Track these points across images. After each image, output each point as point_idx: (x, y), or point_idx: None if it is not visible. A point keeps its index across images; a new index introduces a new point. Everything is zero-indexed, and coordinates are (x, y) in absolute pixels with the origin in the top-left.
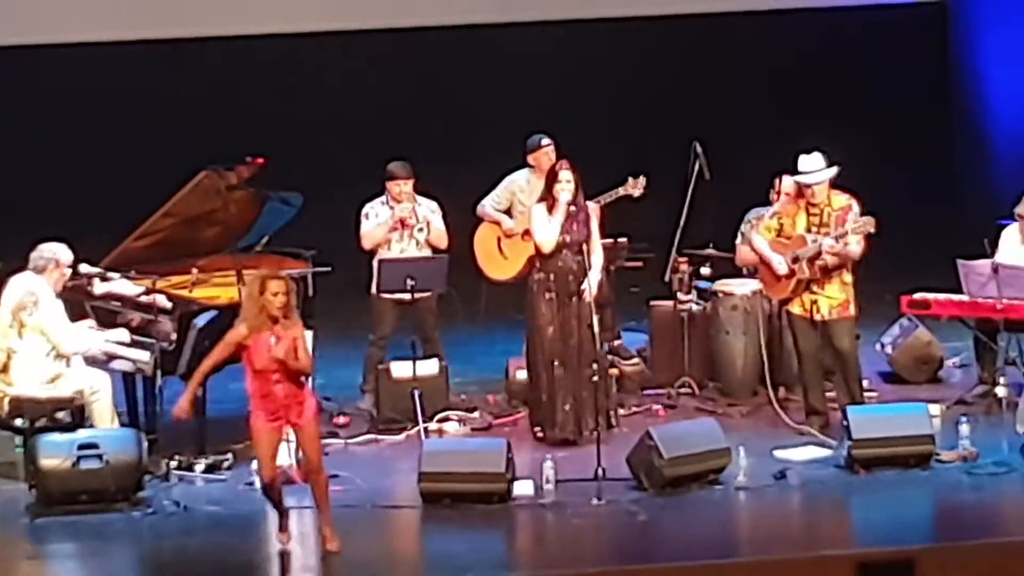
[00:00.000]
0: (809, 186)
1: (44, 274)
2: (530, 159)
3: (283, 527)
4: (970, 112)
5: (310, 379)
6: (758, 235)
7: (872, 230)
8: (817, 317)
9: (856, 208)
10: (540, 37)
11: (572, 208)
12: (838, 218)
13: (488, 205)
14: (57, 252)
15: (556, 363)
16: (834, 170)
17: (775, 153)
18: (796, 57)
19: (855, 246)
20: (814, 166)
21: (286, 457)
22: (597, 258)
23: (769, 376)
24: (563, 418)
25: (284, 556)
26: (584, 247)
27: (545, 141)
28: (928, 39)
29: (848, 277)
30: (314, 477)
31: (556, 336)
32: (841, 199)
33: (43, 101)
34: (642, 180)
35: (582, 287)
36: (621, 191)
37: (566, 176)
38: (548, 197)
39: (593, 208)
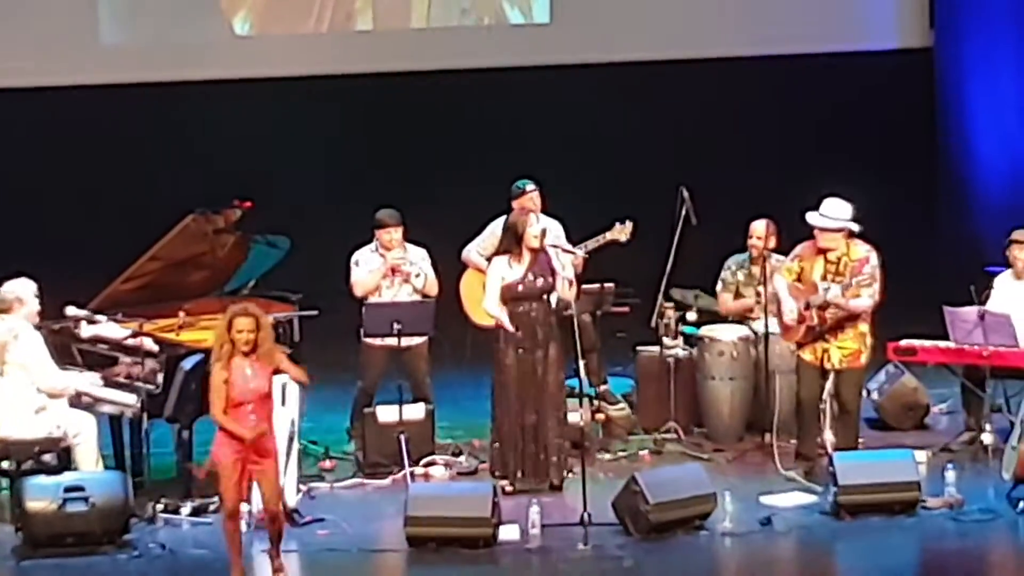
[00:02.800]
0: (822, 230)
1: (12, 313)
2: (515, 204)
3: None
4: (955, 158)
5: (297, 424)
6: (779, 276)
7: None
8: (828, 365)
9: (874, 260)
10: (526, 82)
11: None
12: (854, 269)
13: (473, 252)
14: (16, 290)
15: (520, 413)
16: (842, 223)
17: (759, 198)
18: (781, 103)
19: (866, 299)
20: (830, 212)
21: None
22: (567, 275)
23: (746, 424)
24: (528, 467)
25: None
26: (547, 295)
27: (530, 187)
28: (913, 86)
29: (864, 327)
30: (270, 527)
31: (521, 386)
32: (860, 250)
33: (33, 142)
34: (629, 225)
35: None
36: (608, 236)
37: (535, 232)
38: (515, 248)
39: (573, 258)
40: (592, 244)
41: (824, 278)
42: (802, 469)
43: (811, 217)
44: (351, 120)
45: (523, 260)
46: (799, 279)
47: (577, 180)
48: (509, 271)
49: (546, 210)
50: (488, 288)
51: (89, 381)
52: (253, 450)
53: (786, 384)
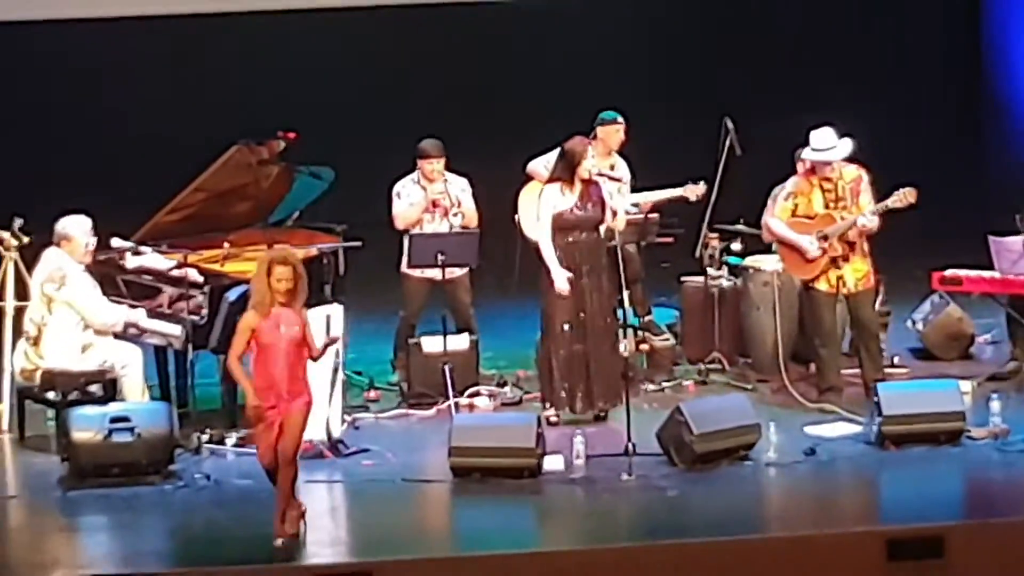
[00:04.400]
0: (828, 163)
1: (61, 248)
2: (599, 131)
3: (284, 518)
4: (1001, 85)
5: (341, 355)
6: (775, 219)
7: (913, 200)
8: (844, 291)
9: (866, 178)
10: (564, 10)
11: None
12: (851, 190)
13: (541, 166)
14: (67, 227)
15: (571, 341)
16: (850, 144)
17: (805, 126)
18: (824, 28)
19: (875, 218)
20: (828, 143)
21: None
22: (619, 208)
23: (790, 354)
24: (575, 397)
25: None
26: (599, 225)
27: (620, 119)
28: (959, 9)
29: (866, 246)
30: (284, 469)
31: (571, 315)
32: (851, 170)
33: (79, 74)
34: (702, 186)
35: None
36: (679, 192)
37: (590, 163)
38: (567, 176)
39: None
40: (662, 195)
41: (827, 207)
42: (834, 399)
43: (817, 155)
44: (394, 50)
45: (575, 189)
46: (795, 215)
47: (620, 109)
48: (561, 199)
49: (624, 148)
50: (541, 216)
51: (132, 318)
52: (288, 394)
53: None
